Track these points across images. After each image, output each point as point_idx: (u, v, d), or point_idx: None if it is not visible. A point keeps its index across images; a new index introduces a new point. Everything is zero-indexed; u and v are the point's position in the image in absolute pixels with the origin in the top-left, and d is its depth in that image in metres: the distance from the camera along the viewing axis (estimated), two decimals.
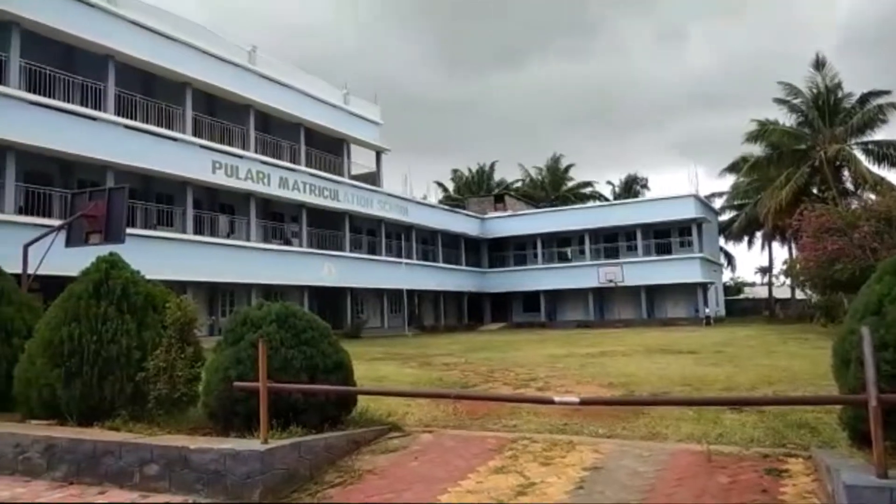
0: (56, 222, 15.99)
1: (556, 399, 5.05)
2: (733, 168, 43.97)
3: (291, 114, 31.35)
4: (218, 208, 28.80)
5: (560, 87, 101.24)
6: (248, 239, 28.65)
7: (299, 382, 5.59)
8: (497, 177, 64.05)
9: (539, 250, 45.71)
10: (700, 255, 41.01)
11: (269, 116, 31.12)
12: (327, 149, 34.42)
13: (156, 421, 5.96)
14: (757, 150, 38.43)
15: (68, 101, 22.27)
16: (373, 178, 37.56)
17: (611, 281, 40.98)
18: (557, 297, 45.28)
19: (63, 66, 22.61)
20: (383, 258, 36.41)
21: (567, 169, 61.75)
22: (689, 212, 41.25)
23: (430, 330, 38.25)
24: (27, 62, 21.04)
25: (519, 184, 62.44)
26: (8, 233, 17.43)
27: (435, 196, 61.15)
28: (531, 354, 16.53)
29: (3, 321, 7.46)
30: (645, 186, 61.21)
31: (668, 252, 42.37)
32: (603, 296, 43.67)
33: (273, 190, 29.36)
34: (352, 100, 36.35)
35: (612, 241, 44.30)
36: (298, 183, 30.77)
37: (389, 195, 37.59)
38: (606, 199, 58.60)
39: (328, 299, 32.11)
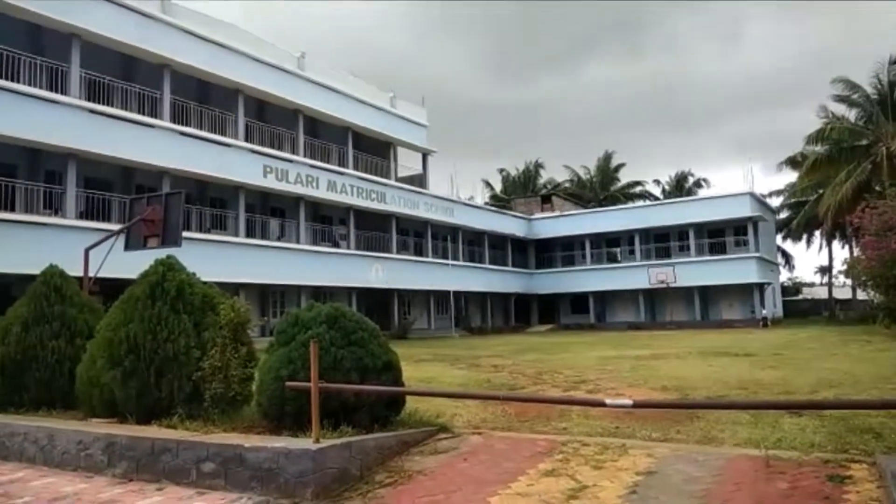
0: (115, 227, 16.55)
1: (608, 401, 4.94)
2: (792, 162, 42.56)
3: (339, 118, 31.78)
4: (269, 212, 29.40)
5: (612, 87, 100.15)
6: (297, 241, 29.14)
7: (349, 383, 5.63)
8: (544, 177, 63.62)
9: (587, 251, 45.14)
10: (756, 254, 39.82)
11: (317, 121, 31.60)
12: (374, 152, 34.76)
13: (211, 419, 6.09)
14: (817, 146, 37.15)
15: (126, 110, 23.07)
16: (419, 180, 37.77)
17: (662, 282, 40.16)
18: (607, 299, 44.64)
19: (121, 76, 23.44)
20: (430, 259, 36.54)
21: (617, 168, 60.79)
22: (745, 210, 40.09)
23: (477, 331, 38.19)
24: (87, 72, 21.86)
25: (567, 184, 61.80)
26: (70, 237, 18.13)
27: (481, 196, 61.11)
28: (580, 357, 16.32)
29: (66, 322, 7.76)
30: (700, 185, 59.82)
31: (723, 252, 41.25)
32: (654, 297, 42.84)
33: (322, 193, 29.81)
34: (398, 103, 36.63)
35: (663, 241, 43.40)
36: (346, 186, 31.17)
37: (435, 197, 37.71)
38: (656, 199, 57.47)
39: (376, 301, 32.39)
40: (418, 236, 37.56)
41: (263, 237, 28.09)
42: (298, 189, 28.64)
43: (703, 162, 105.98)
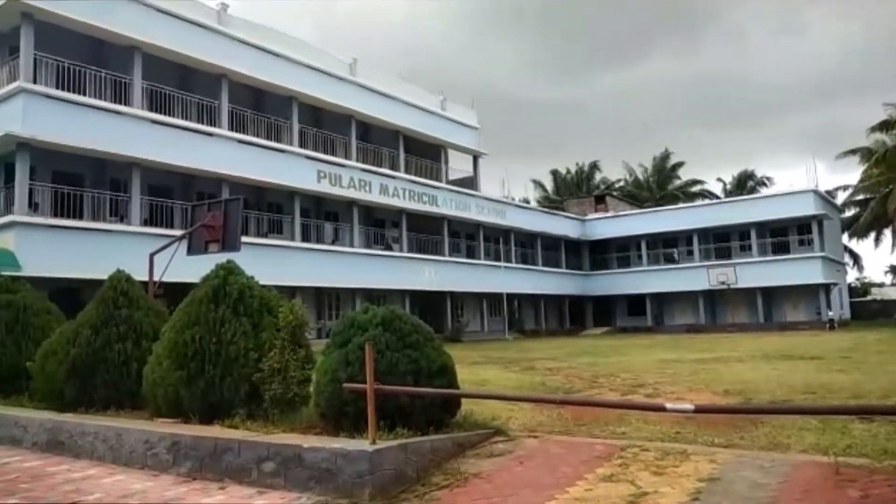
0: (177, 232, 17.13)
1: (669, 406, 4.80)
2: (855, 154, 40.77)
3: (390, 122, 32.11)
4: (323, 216, 29.93)
5: (670, 84, 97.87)
6: (351, 245, 29.56)
7: (405, 385, 5.65)
8: (597, 177, 62.72)
9: (644, 251, 44.27)
10: (821, 254, 38.33)
11: (369, 125, 32.01)
12: (425, 154, 34.97)
13: (271, 420, 6.20)
14: (885, 135, 35.48)
15: (186, 119, 23.86)
16: (470, 182, 37.80)
17: (723, 283, 39.02)
18: (664, 301, 43.66)
19: (180, 86, 24.26)
20: (482, 262, 36.51)
21: (675, 167, 59.44)
22: (809, 208, 38.66)
23: (530, 334, 37.92)
24: (148, 83, 22.71)
25: (621, 183, 60.80)
26: (135, 243, 18.85)
27: (533, 196, 60.74)
28: (638, 359, 16.01)
29: (132, 325, 8.04)
30: (763, 183, 57.88)
31: (786, 251, 39.85)
32: (714, 298, 41.70)
33: (374, 197, 30.17)
34: (449, 106, 36.77)
35: (723, 241, 42.23)
36: (398, 189, 31.45)
37: (487, 199, 37.67)
38: (717, 198, 55.89)
39: (428, 303, 32.54)
40: (470, 238, 37.57)
41: (318, 241, 28.62)
42: (351, 193, 29.06)
43: (764, 159, 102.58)
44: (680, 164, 59.44)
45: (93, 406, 7.63)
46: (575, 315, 44.99)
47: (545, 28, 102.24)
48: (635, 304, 44.24)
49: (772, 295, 40.10)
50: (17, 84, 19.27)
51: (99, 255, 18.20)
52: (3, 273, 15.66)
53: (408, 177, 32.62)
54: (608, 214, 47.56)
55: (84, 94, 20.94)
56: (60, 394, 7.77)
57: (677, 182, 59.36)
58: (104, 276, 8.88)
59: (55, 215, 20.57)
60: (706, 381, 10.62)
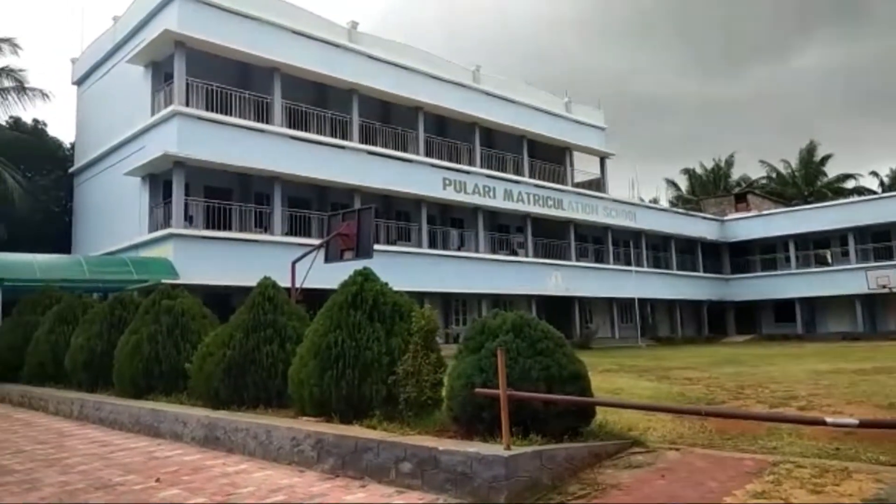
0: (315, 241, 18.08)
1: (829, 420, 4.38)
2: None
3: (514, 127, 32.08)
4: (449, 222, 30.41)
5: (819, 77, 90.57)
6: (476, 251, 29.78)
7: (537, 392, 5.58)
8: (735, 174, 59.08)
9: (791, 253, 41.01)
10: None
11: (493, 131, 32.16)
12: (550, 158, 34.58)
13: (406, 422, 6.35)
14: None
15: (320, 134, 25.16)
16: (597, 185, 36.91)
17: (884, 286, 35.31)
18: (816, 306, 40.17)
19: (314, 103, 25.63)
20: (611, 266, 35.49)
21: (823, 161, 54.61)
22: None
23: (665, 341, 36.30)
24: (287, 102, 24.18)
25: (764, 181, 56.82)
26: (278, 251, 20.10)
27: (665, 197, 58.27)
28: (787, 370, 14.84)
29: (278, 329, 8.56)
30: None
31: None
32: (874, 304, 37.90)
33: (498, 202, 30.24)
34: (574, 107, 36.17)
35: (884, 241, 38.27)
36: (522, 194, 31.32)
37: (615, 201, 36.60)
38: (873, 193, 50.78)
39: (555, 309, 32.07)
40: (598, 242, 36.66)
41: (444, 247, 29.09)
42: (476, 199, 29.31)
43: None
44: (828, 157, 54.59)
45: (244, 404, 8.17)
46: (714, 322, 42.47)
47: (679, 25, 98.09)
48: (783, 310, 41.05)
49: None
50: (172, 108, 21.18)
51: (245, 264, 19.61)
52: (163, 281, 17.32)
53: (532, 181, 32.41)
54: (750, 214, 44.51)
55: (230, 115, 22.67)
56: (216, 392, 8.39)
57: (827, 177, 54.53)
58: (251, 283, 9.52)
59: (207, 227, 22.40)
60: (867, 394, 9.66)
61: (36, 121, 31.94)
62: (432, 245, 28.38)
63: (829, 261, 41.08)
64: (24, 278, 18.22)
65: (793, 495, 4.58)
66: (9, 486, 6.00)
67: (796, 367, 15.32)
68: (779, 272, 41.30)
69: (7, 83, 28.17)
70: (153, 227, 21.96)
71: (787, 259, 41.31)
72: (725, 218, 44.38)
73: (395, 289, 7.69)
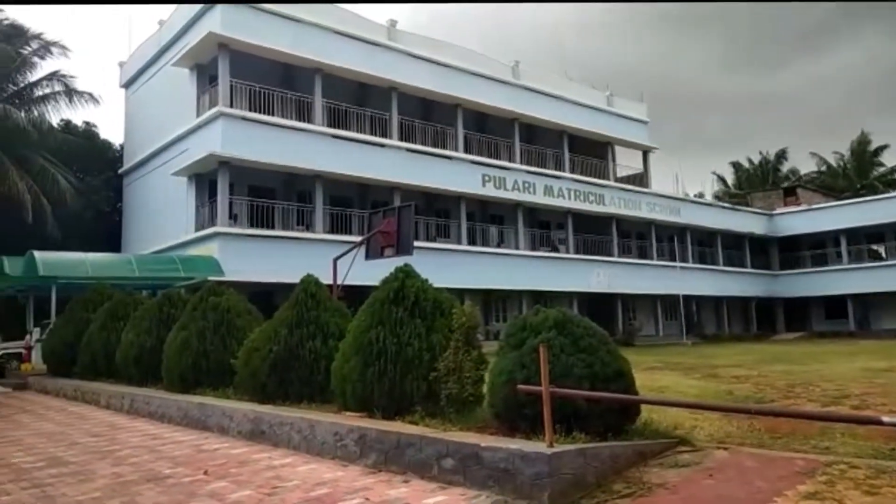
0: (355, 239, 18.22)
1: (886, 419, 4.22)
2: None
3: (555, 122, 31.76)
4: (488, 219, 30.31)
5: (872, 67, 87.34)
6: (516, 247, 29.62)
7: (580, 389, 5.52)
8: (784, 168, 57.38)
9: (843, 248, 39.63)
10: None
11: (533, 127, 31.91)
12: (591, 153, 34.14)
13: (448, 418, 6.35)
14: None
15: (360, 132, 25.36)
16: (640, 179, 36.29)
17: None
18: (870, 303, 38.72)
19: (355, 101, 25.84)
20: (655, 262, 34.89)
21: (877, 152, 52.64)
22: None
23: (711, 339, 35.47)
24: (327, 101, 24.42)
25: (814, 174, 55.09)
26: (320, 249, 20.30)
27: (710, 191, 57.01)
28: (840, 368, 14.37)
29: (320, 325, 8.66)
30: None
31: None
32: None
33: (538, 198, 30.01)
34: (616, 101, 35.65)
35: None
36: (563, 190, 31.01)
37: (659, 196, 35.94)
38: None
39: (598, 306, 31.69)
40: (641, 238, 36.08)
41: (484, 244, 29.01)
42: (515, 196, 29.15)
43: None
44: (883, 148, 52.55)
45: (288, 399, 8.29)
46: (763, 318, 41.34)
47: (726, 19, 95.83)
48: (834, 306, 39.72)
49: None
50: (217, 109, 21.62)
51: (288, 261, 19.87)
52: (209, 278, 17.69)
53: (573, 176, 32.06)
54: (800, 208, 43.16)
55: (273, 115, 23.01)
56: (262, 387, 8.54)
57: (881, 169, 52.56)
58: (293, 280, 9.65)
59: (251, 226, 22.81)
60: None
61: (87, 123, 32.98)
62: (472, 242, 28.34)
63: (884, 255, 39.57)
64: (77, 276, 18.86)
65: (847, 497, 4.46)
66: (64, 476, 6.21)
67: (849, 366, 14.83)
68: (830, 267, 39.99)
69: (57, 87, 29.21)
70: (199, 226, 22.46)
71: (839, 254, 39.99)
72: (774, 212, 43.17)
73: (435, 286, 7.69)
